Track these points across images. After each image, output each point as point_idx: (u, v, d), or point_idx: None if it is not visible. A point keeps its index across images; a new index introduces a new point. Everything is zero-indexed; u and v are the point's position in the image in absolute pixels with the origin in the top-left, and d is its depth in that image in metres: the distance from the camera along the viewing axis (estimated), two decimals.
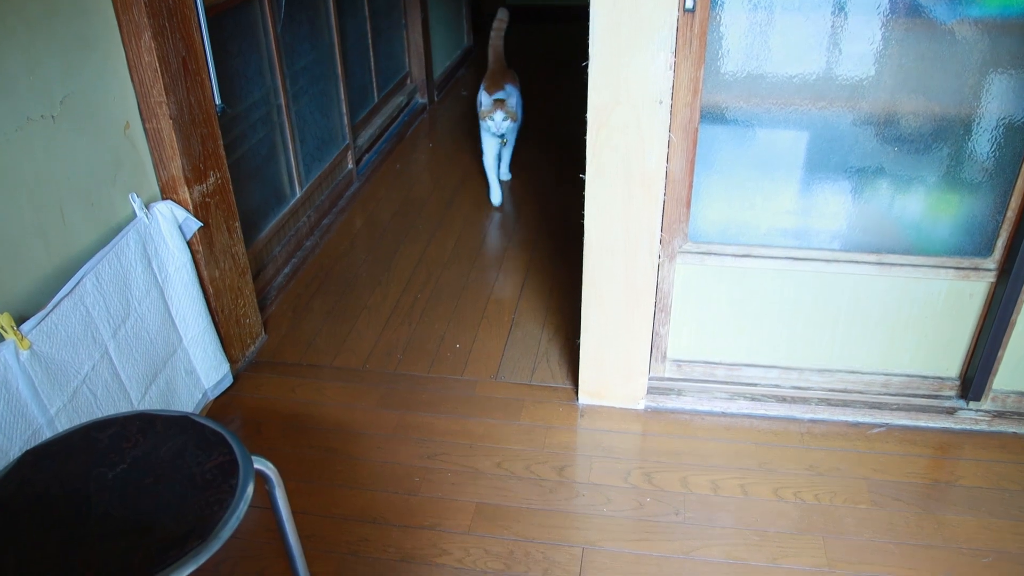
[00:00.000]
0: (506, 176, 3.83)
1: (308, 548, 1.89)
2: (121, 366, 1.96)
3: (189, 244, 2.19)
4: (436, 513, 2.00)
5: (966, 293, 2.13)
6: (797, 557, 1.87)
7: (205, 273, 2.29)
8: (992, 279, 2.08)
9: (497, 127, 3.34)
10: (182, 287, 2.19)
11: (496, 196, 3.61)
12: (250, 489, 1.23)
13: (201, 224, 2.22)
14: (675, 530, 1.95)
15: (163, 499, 1.22)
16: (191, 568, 1.10)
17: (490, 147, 3.52)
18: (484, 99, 3.34)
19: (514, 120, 3.37)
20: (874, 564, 1.85)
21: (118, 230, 1.99)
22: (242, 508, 1.19)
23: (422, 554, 1.89)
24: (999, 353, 2.15)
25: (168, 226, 2.11)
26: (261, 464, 1.34)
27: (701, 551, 1.89)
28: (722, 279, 2.17)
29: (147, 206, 2.07)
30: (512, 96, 3.49)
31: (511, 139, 3.60)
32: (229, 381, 2.45)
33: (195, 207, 2.20)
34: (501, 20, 3.84)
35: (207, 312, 2.31)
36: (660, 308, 2.19)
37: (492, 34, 3.81)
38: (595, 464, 2.14)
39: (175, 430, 1.35)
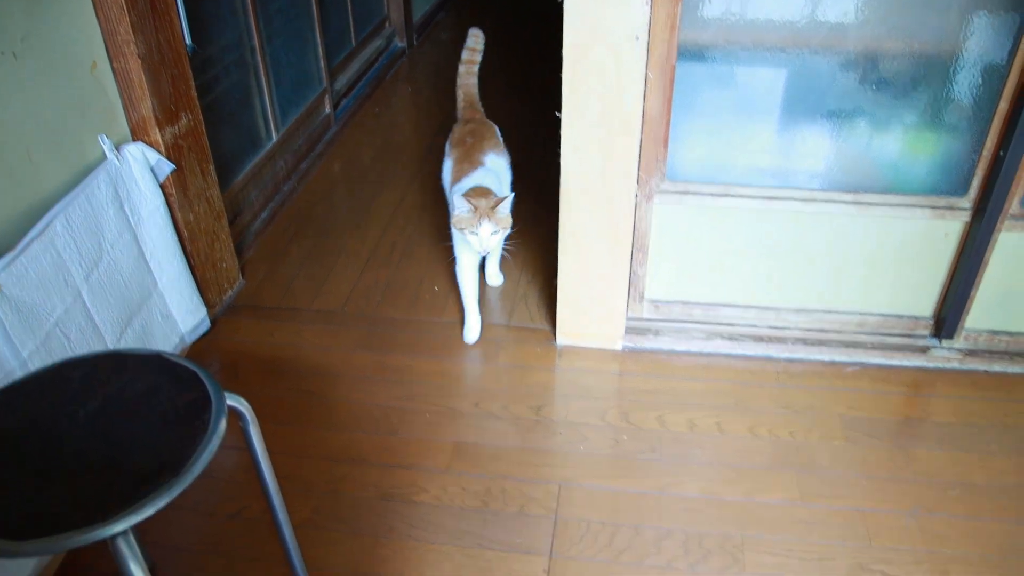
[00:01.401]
0: (497, 280, 2.65)
1: (287, 488, 1.89)
2: (95, 309, 1.94)
3: (162, 187, 2.16)
4: (414, 452, 2.02)
5: (941, 232, 2.13)
6: (771, 492, 1.90)
7: (179, 216, 2.27)
8: (967, 218, 2.09)
9: (482, 245, 2.11)
10: (156, 230, 2.16)
11: (473, 332, 2.39)
12: (223, 425, 1.22)
13: (174, 167, 2.18)
14: (651, 467, 1.97)
15: (135, 436, 1.22)
16: (164, 502, 1.10)
17: (468, 259, 2.31)
18: (457, 201, 2.10)
19: (507, 229, 2.15)
20: (846, 497, 1.89)
21: (88, 172, 1.96)
22: (215, 443, 1.19)
23: (401, 492, 1.91)
24: (972, 292, 2.17)
25: (140, 168, 2.08)
26: (234, 401, 1.33)
27: (676, 487, 1.92)
28: (700, 219, 2.17)
29: (117, 148, 2.04)
30: (499, 178, 2.33)
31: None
32: (207, 326, 2.44)
33: (167, 149, 2.16)
34: (473, 48, 2.61)
35: (182, 256, 2.29)
36: (638, 248, 2.19)
37: (460, 69, 2.61)
38: (572, 403, 2.16)
39: (147, 368, 1.34)
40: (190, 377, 1.32)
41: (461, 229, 2.11)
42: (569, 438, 2.05)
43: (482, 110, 2.59)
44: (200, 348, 2.38)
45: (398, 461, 1.99)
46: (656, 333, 2.32)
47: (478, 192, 2.14)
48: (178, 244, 2.26)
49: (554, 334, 2.37)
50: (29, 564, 1.69)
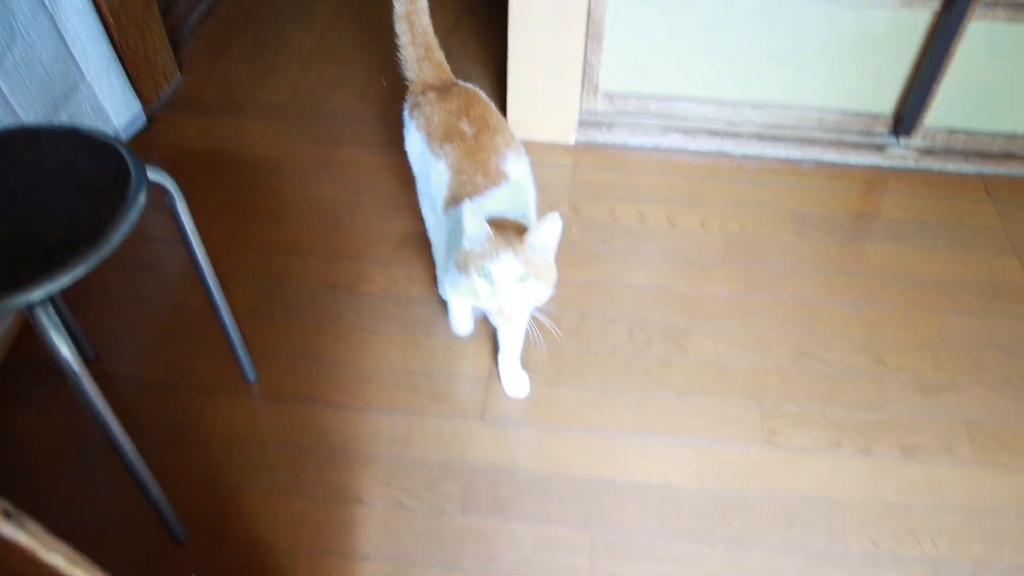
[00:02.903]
0: (521, 389, 1.69)
1: (231, 280, 1.87)
2: (12, 96, 1.83)
3: None
4: (360, 244, 1.98)
5: (910, 23, 2.05)
6: (718, 283, 1.91)
7: (103, 3, 2.10)
8: (937, 7, 2.00)
9: (499, 301, 1.35)
10: (76, 16, 2.01)
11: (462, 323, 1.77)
12: (143, 196, 1.17)
13: None
14: (600, 258, 1.96)
15: (50, 208, 1.16)
16: (81, 271, 1.05)
17: (465, 321, 1.76)
18: (468, 214, 1.31)
19: (546, 283, 1.37)
20: (791, 289, 1.90)
21: None
22: (134, 214, 1.13)
23: (346, 282, 1.89)
24: (934, 87, 2.11)
25: None
26: (158, 175, 1.27)
27: (626, 277, 1.92)
28: (658, 6, 2.05)
29: None
30: (526, 200, 1.55)
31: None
32: (142, 120, 2.33)
33: None
34: None
35: (110, 45, 2.14)
36: (592, 36, 2.08)
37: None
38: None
39: (62, 141, 1.27)
40: (108, 150, 1.25)
41: (465, 267, 1.34)
42: None
43: (444, 57, 1.77)
44: (137, 145, 2.27)
45: (344, 253, 1.96)
46: (610, 127, 2.25)
47: (504, 228, 1.34)
48: (104, 32, 2.11)
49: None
50: None
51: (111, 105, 2.20)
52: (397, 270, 1.91)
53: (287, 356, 1.74)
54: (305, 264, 1.93)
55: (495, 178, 1.50)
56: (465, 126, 1.57)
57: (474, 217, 1.30)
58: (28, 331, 1.78)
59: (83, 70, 2.07)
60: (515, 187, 1.52)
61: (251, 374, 1.70)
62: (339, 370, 1.72)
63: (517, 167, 1.56)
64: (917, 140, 2.23)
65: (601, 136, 2.26)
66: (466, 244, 1.34)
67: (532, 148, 2.23)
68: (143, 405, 1.66)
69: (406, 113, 1.72)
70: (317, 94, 2.46)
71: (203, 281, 1.47)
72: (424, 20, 1.72)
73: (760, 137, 2.24)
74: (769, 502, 1.52)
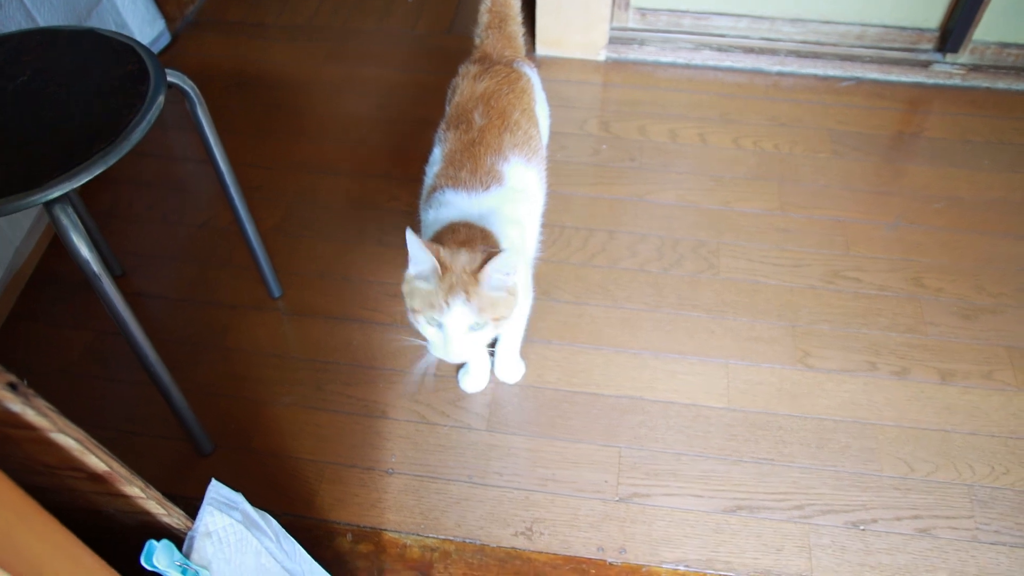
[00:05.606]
0: (514, 374, 1.55)
1: (256, 198, 1.86)
2: (36, 10, 1.80)
3: None
4: (386, 161, 1.95)
5: None
6: (750, 201, 1.86)
7: None
8: None
9: (449, 349, 1.13)
10: None
11: (475, 380, 1.54)
12: (161, 96, 1.14)
13: None
14: (629, 175, 1.91)
15: (68, 107, 1.13)
16: (98, 170, 1.03)
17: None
18: (410, 241, 1.07)
19: (503, 318, 1.14)
20: (826, 208, 1.85)
21: None
22: (153, 114, 1.11)
23: (372, 199, 1.86)
24: None
25: None
26: (176, 78, 1.24)
27: (654, 194, 1.87)
28: None
29: None
30: (518, 214, 1.28)
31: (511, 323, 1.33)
32: (167, 39, 2.29)
33: None
34: None
35: None
36: None
37: None
38: (551, 113, 2.07)
39: (80, 43, 1.24)
40: (127, 51, 1.22)
41: (413, 312, 1.14)
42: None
43: (521, 34, 1.59)
44: (161, 63, 2.24)
45: (369, 170, 1.93)
46: (641, 43, 2.18)
47: (460, 233, 1.16)
48: None
49: (533, 44, 2.23)
50: None
51: (135, 22, 2.16)
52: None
53: (312, 273, 1.73)
54: (330, 182, 1.90)
55: (485, 180, 1.25)
56: (477, 116, 1.33)
57: (417, 244, 1.06)
58: (57, 250, 1.78)
59: None
60: (508, 195, 1.26)
61: (276, 290, 1.69)
62: (364, 287, 1.70)
63: (521, 174, 1.31)
64: (965, 56, 2.13)
65: (632, 53, 2.18)
66: (411, 269, 1.12)
67: (561, 65, 2.19)
68: (169, 320, 1.66)
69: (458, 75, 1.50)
70: (341, 14, 2.40)
71: (227, 192, 1.45)
72: None
73: (798, 54, 2.16)
74: (800, 422, 1.49)
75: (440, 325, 1.10)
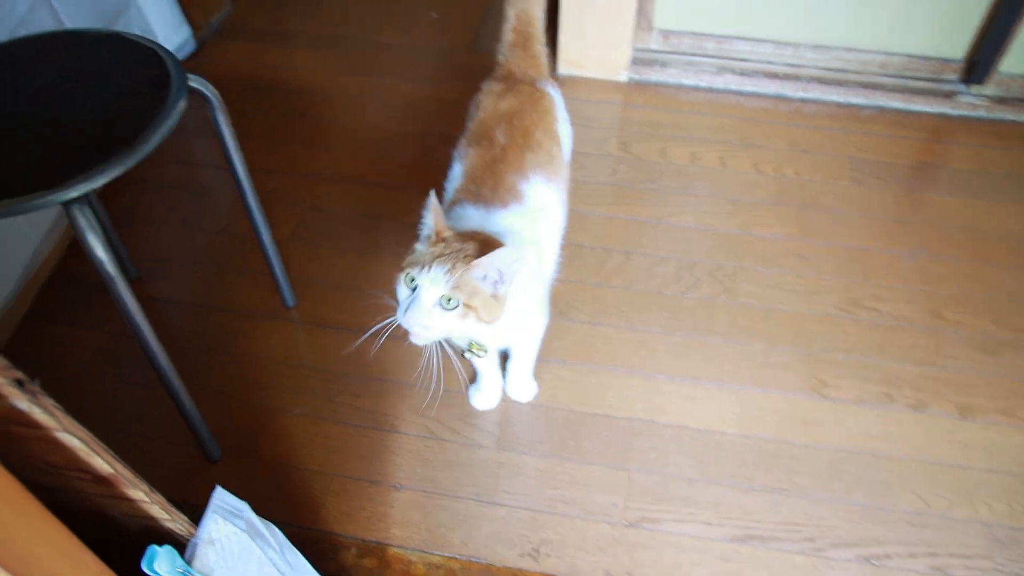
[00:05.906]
0: (527, 393, 1.54)
1: (273, 204, 1.86)
2: (65, 12, 1.81)
3: None
4: (404, 174, 1.95)
5: None
6: (769, 226, 1.84)
7: None
8: None
9: (409, 319, 1.11)
10: None
11: (486, 397, 1.53)
12: (183, 101, 1.14)
13: None
14: (648, 196, 1.90)
15: (90, 109, 1.14)
16: (117, 171, 1.03)
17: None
18: (427, 212, 1.17)
19: (486, 321, 1.13)
20: (846, 236, 1.83)
21: None
22: (173, 118, 1.11)
23: (388, 212, 1.86)
24: (1013, 30, 1.99)
25: None
26: (199, 84, 1.25)
27: (673, 217, 1.86)
28: None
29: None
30: (536, 233, 1.29)
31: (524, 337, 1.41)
32: (192, 46, 2.31)
33: None
34: None
35: None
36: None
37: None
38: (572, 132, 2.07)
39: (104, 46, 1.24)
40: (150, 55, 1.22)
41: (401, 270, 1.13)
42: None
43: (545, 54, 1.58)
44: (185, 70, 2.25)
45: (387, 182, 1.93)
46: (663, 65, 2.18)
47: (478, 236, 1.15)
48: None
49: (555, 63, 2.23)
50: (15, 272, 1.68)
51: (160, 29, 2.19)
52: None
53: (327, 284, 1.72)
54: (345, 191, 1.90)
55: (504, 197, 1.26)
56: (500, 134, 1.34)
57: (433, 207, 1.11)
58: (76, 251, 1.79)
59: None
60: (527, 214, 1.27)
61: (290, 299, 1.68)
62: (378, 299, 1.69)
63: (542, 193, 1.31)
64: (990, 88, 2.12)
65: (654, 75, 2.18)
66: (423, 231, 1.17)
67: (582, 84, 2.19)
68: (183, 325, 1.66)
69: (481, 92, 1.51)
70: (366, 25, 2.42)
71: (244, 200, 1.45)
72: (535, 11, 1.55)
73: (821, 81, 2.15)
74: (813, 452, 1.47)
75: (415, 288, 1.10)
